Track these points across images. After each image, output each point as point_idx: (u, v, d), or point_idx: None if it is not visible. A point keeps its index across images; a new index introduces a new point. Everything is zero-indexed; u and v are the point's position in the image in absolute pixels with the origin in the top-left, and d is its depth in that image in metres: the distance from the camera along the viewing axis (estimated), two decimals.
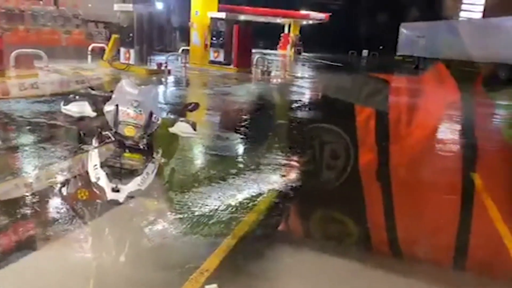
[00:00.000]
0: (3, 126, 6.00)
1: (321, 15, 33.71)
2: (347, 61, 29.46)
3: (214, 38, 16.71)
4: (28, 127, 5.92)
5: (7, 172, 4.17)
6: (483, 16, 29.05)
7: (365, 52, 41.11)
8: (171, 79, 12.61)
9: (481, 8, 31.19)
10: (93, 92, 3.06)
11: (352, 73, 21.65)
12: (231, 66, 16.06)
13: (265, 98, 10.88)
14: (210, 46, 16.81)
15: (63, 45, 14.53)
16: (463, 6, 33.76)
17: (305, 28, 35.21)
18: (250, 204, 3.89)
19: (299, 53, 32.38)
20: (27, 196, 3.64)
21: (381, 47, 40.00)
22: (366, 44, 40.29)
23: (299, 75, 19.13)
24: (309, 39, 34.25)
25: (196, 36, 17.22)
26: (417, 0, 32.90)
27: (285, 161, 5.31)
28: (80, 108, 2.84)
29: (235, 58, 16.13)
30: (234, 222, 3.52)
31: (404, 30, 27.48)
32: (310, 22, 34.60)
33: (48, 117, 6.44)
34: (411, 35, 26.27)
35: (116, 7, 13.58)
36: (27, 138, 5.46)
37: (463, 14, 35.74)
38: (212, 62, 16.66)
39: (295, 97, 11.69)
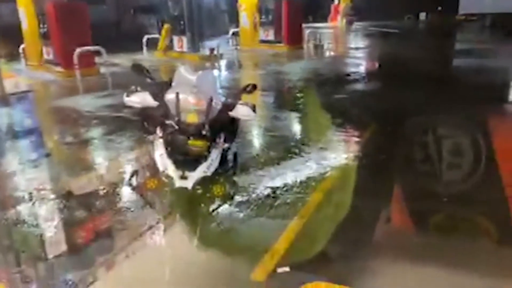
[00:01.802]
0: (73, 121, 6.36)
1: None
2: (404, 27, 27.85)
3: (263, 17, 16.46)
4: (95, 121, 6.22)
5: (79, 167, 4.42)
6: None
7: (422, 15, 38.60)
8: (223, 62, 12.67)
9: None
10: (153, 81, 3.11)
11: (414, 39, 20.46)
12: (282, 44, 15.76)
13: (320, 74, 10.57)
14: (260, 26, 16.60)
15: None
16: None
17: None
18: (313, 184, 3.81)
19: (351, 23, 31.07)
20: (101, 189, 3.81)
21: (439, 8, 37.35)
22: (423, 7, 37.80)
23: (352, 46, 18.41)
24: (361, 7, 32.73)
25: (245, 17, 17.04)
26: None
27: (347, 138, 5.14)
28: (142, 99, 2.90)
29: (285, 35, 15.78)
30: (300, 203, 3.45)
31: None
32: None
33: (112, 109, 6.73)
34: None
35: None
36: (95, 132, 5.74)
37: None
38: (263, 41, 16.44)
39: (349, 69, 11.26)
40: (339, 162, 4.32)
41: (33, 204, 3.54)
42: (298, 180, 3.85)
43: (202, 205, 2.90)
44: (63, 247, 2.94)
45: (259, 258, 2.69)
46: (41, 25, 10.89)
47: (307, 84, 9.12)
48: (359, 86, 8.70)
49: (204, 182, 2.68)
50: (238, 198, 3.42)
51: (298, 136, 5.61)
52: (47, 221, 3.28)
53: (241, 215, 3.26)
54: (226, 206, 3.21)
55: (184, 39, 13.45)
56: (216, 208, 3.12)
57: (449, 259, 2.74)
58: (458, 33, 22.63)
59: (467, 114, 5.84)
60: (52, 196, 3.68)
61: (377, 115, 6.16)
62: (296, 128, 6.06)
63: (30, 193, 3.74)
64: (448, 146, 4.91)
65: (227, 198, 2.99)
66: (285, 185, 3.76)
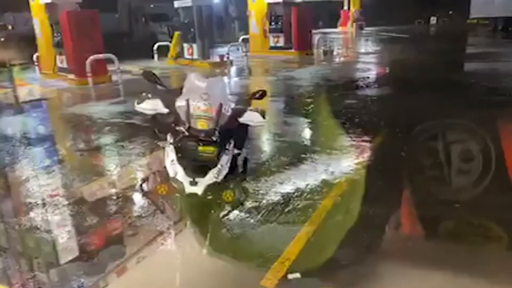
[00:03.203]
0: (86, 128, 6.45)
1: None
2: (414, 32, 27.73)
3: (272, 23, 16.54)
4: (107, 127, 6.30)
5: (91, 173, 4.47)
6: None
7: (433, 19, 38.37)
8: (233, 69, 12.74)
9: None
10: (163, 88, 3.14)
11: (423, 43, 20.33)
12: (292, 50, 15.81)
13: (330, 79, 10.56)
14: (270, 32, 16.67)
15: None
16: None
17: (366, 2, 33.59)
18: (324, 190, 3.79)
19: (361, 29, 31.03)
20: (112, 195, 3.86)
21: (450, 12, 37.09)
22: (434, 11, 37.59)
23: (362, 51, 18.36)
24: (372, 12, 32.65)
25: (255, 24, 17.15)
26: None
27: (358, 144, 5.12)
28: (153, 106, 2.94)
29: (295, 41, 15.84)
30: (311, 209, 3.44)
31: None
32: None
33: (124, 116, 6.81)
34: None
35: (176, 4, 13.94)
36: (107, 138, 5.81)
37: None
38: (273, 48, 16.52)
39: (360, 75, 11.22)
40: (347, 169, 4.30)
41: (46, 210, 3.59)
42: (308, 186, 3.85)
43: (212, 211, 2.91)
44: (75, 253, 2.97)
45: (269, 264, 2.68)
46: (55, 34, 11.10)
47: (316, 90, 9.12)
48: (369, 92, 8.64)
49: (214, 188, 2.69)
50: (248, 203, 3.43)
51: (308, 142, 5.60)
52: (59, 227, 3.33)
53: (251, 221, 3.26)
54: (236, 212, 3.22)
55: (195, 46, 13.57)
56: (226, 214, 3.13)
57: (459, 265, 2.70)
58: (469, 37, 22.43)
59: (477, 118, 5.77)
60: (65, 202, 3.73)
61: (387, 121, 6.13)
62: (306, 133, 6.05)
63: (43, 199, 3.80)
64: (459, 151, 4.86)
65: (237, 204, 3.00)
66: (296, 190, 3.76)
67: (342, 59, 15.70)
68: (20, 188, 4.17)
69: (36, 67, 12.26)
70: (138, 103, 2.97)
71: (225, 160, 2.77)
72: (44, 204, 3.69)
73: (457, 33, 25.06)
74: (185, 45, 13.91)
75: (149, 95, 2.97)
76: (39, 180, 4.30)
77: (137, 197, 3.69)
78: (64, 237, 3.17)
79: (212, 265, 2.78)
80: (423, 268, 2.68)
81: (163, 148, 2.94)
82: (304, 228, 3.14)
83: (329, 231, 3.17)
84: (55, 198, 3.81)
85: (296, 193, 3.71)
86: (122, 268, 2.79)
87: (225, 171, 2.75)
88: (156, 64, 13.67)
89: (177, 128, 2.78)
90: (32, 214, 3.51)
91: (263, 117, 2.97)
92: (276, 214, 3.35)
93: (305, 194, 3.69)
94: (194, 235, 2.94)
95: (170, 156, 2.77)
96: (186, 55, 13.93)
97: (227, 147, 2.84)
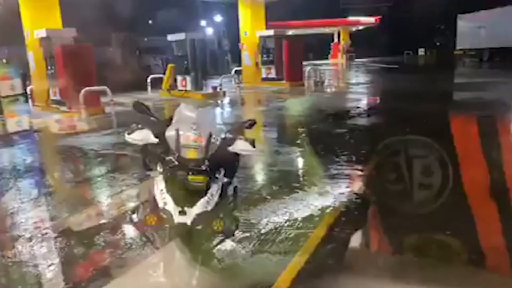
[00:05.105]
0: (77, 159, 6.42)
1: (371, 19, 32.95)
2: (403, 63, 28.42)
3: (264, 56, 16.95)
4: (99, 158, 6.28)
5: (79, 203, 4.43)
6: None
7: (421, 51, 39.55)
8: (226, 100, 12.89)
9: None
10: (154, 119, 3.16)
11: (411, 74, 20.79)
12: (284, 81, 16.10)
13: (320, 109, 10.70)
14: (262, 64, 17.03)
15: None
16: None
17: (356, 34, 34.60)
18: (316, 219, 3.77)
19: (352, 60, 31.79)
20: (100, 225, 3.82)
21: (438, 44, 38.29)
22: (422, 43, 38.79)
23: (353, 81, 18.72)
24: (361, 44, 33.57)
25: (247, 56, 17.54)
26: None
27: (349, 172, 5.14)
28: (143, 136, 2.94)
29: (286, 72, 16.17)
30: (303, 238, 3.41)
31: (462, 23, 26.04)
32: (360, 27, 33.95)
33: (116, 148, 6.81)
34: (471, 27, 24.83)
35: (169, 37, 14.23)
36: (97, 169, 5.78)
37: None
38: (265, 79, 16.83)
39: (350, 104, 11.39)
40: (338, 198, 4.30)
41: (34, 242, 3.52)
42: (300, 215, 3.83)
43: (202, 241, 2.88)
44: (62, 285, 2.90)
45: None
46: (49, 67, 11.23)
47: (306, 120, 9.23)
48: (359, 122, 8.75)
49: (203, 217, 2.66)
50: (238, 233, 3.40)
51: (299, 171, 5.61)
52: (47, 259, 3.26)
53: (242, 251, 3.22)
54: (226, 241, 3.17)
55: (188, 78, 13.77)
56: (217, 244, 3.08)
57: None
58: (456, 68, 23.01)
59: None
60: (53, 234, 3.67)
61: (377, 152, 6.17)
62: (297, 162, 6.07)
63: (30, 232, 3.73)
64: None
65: (227, 233, 2.96)
66: (287, 220, 3.74)
67: (332, 89, 15.98)
68: (6, 220, 4.09)
69: (30, 100, 12.31)
70: (129, 134, 2.98)
71: (214, 189, 2.75)
72: (31, 237, 3.62)
73: (445, 64, 25.70)
74: (179, 77, 14.12)
75: (139, 126, 2.99)
76: (25, 212, 4.23)
77: (127, 228, 3.65)
78: (51, 269, 3.10)
79: None
80: None
81: (153, 178, 2.93)
82: (296, 258, 3.10)
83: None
84: (43, 229, 3.75)
85: (287, 223, 3.69)
86: None
87: (214, 200, 2.73)
88: (149, 96, 13.79)
89: (167, 157, 2.78)
90: (19, 247, 3.44)
91: (253, 146, 2.99)
92: (267, 244, 3.32)
93: (297, 224, 3.67)
94: (184, 265, 2.89)
95: (159, 185, 2.75)
96: (180, 87, 14.11)
97: (217, 176, 2.84)
